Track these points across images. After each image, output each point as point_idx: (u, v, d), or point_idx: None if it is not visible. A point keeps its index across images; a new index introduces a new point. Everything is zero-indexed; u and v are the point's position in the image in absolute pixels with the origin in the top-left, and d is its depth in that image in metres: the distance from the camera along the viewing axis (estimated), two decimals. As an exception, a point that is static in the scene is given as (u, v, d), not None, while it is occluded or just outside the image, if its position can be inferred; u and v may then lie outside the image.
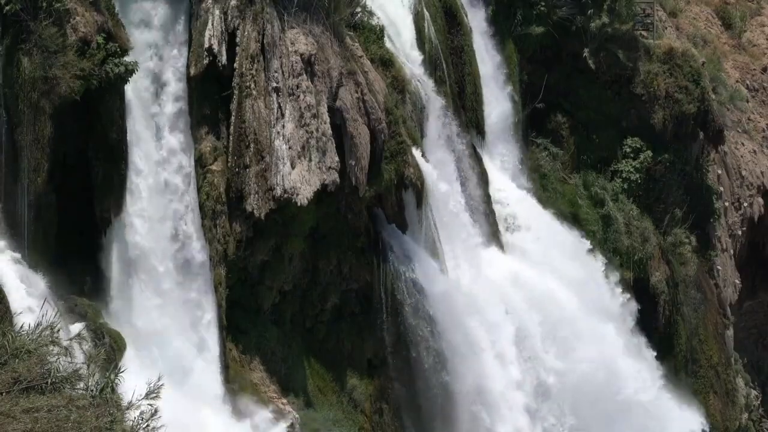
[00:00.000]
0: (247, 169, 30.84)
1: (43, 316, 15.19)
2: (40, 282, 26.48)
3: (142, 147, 29.71)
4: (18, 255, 26.77)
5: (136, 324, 29.32)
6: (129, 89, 28.83)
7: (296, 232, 32.51)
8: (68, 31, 27.29)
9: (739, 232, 50.47)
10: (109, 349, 26.86)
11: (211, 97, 31.28)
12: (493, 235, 39.32)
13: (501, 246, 39.51)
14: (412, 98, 36.45)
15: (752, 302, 52.97)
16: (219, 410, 30.11)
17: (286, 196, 30.83)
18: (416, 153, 35.32)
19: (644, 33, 46.75)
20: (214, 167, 30.97)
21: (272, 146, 30.91)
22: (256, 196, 30.79)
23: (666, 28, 49.19)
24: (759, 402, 51.76)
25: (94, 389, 14.03)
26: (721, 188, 48.72)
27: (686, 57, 46.17)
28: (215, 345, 30.65)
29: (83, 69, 27.21)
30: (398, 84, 35.75)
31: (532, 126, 43.86)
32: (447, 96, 38.46)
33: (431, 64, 38.23)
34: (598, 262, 42.47)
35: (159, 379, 13.80)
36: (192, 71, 30.50)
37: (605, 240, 43.54)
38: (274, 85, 31.25)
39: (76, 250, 28.39)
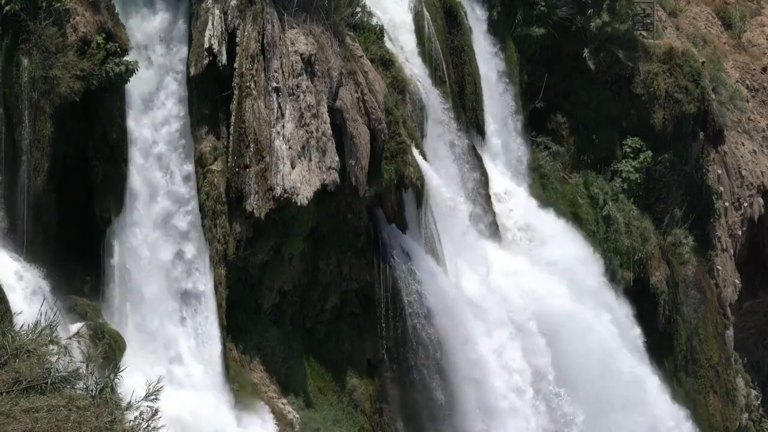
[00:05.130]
0: (247, 169, 30.85)
1: (41, 315, 15.18)
2: (40, 282, 26.47)
3: (140, 146, 29.70)
4: (18, 255, 26.78)
5: (136, 323, 29.32)
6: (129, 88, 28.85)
7: (296, 232, 32.51)
8: (68, 31, 27.29)
9: (739, 232, 50.46)
10: (108, 349, 26.86)
11: (211, 97, 31.28)
12: (493, 235, 39.32)
13: (501, 245, 39.51)
14: (412, 98, 36.45)
15: (752, 302, 52.97)
16: (219, 410, 30.09)
17: (286, 196, 30.84)
18: (416, 153, 35.32)
19: (644, 33, 46.74)
20: (214, 167, 30.97)
21: (272, 146, 30.92)
22: (256, 196, 30.79)
23: (666, 28, 49.17)
24: (759, 402, 51.77)
25: (94, 389, 14.03)
26: (721, 188, 48.71)
27: (686, 57, 46.17)
28: (215, 345, 30.64)
29: (83, 69, 27.22)
30: (398, 84, 35.76)
31: (532, 126, 43.87)
32: (447, 96, 38.46)
33: (431, 64, 38.24)
34: (599, 263, 42.50)
35: (159, 381, 13.78)
36: (192, 71, 30.49)
37: (605, 240, 43.54)
38: (274, 85, 31.26)
39: (76, 250, 28.38)
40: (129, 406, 13.56)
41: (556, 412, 37.74)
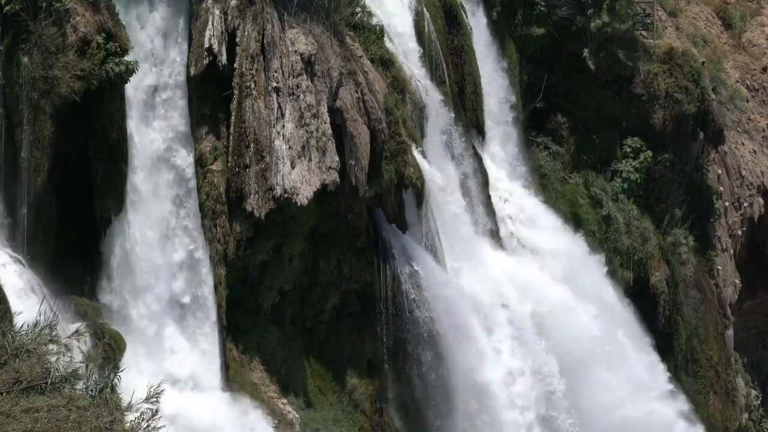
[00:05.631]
0: (247, 169, 30.85)
1: (40, 314, 15.18)
2: (39, 282, 26.47)
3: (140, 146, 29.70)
4: (18, 255, 26.78)
5: (135, 323, 29.31)
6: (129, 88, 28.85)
7: (296, 232, 32.52)
8: (68, 31, 27.30)
9: (739, 232, 50.45)
10: (108, 349, 26.88)
11: (211, 97, 31.28)
12: (493, 235, 39.32)
13: (501, 246, 39.51)
14: (412, 98, 36.45)
15: (752, 302, 52.96)
16: (218, 410, 30.09)
17: (286, 196, 30.84)
18: (416, 153, 35.32)
19: (644, 33, 46.74)
20: (214, 167, 30.98)
21: (272, 146, 30.92)
22: (256, 196, 30.79)
23: (666, 28, 49.17)
24: (759, 402, 51.76)
25: (94, 389, 14.04)
26: (721, 188, 48.71)
27: (686, 57, 46.17)
28: (215, 345, 30.64)
29: (83, 69, 27.22)
30: (398, 84, 35.75)
31: (532, 126, 43.88)
32: (447, 96, 38.46)
33: (431, 64, 38.23)
34: (599, 263, 42.49)
35: (159, 384, 13.78)
36: (192, 71, 30.49)
37: (605, 240, 43.55)
38: (274, 85, 31.26)
39: (76, 250, 28.39)
40: (129, 407, 13.57)
41: (556, 410, 37.71)
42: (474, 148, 39.34)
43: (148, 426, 13.56)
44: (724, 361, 47.66)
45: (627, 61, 44.84)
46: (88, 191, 28.49)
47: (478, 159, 39.26)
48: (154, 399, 13.46)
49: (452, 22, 39.84)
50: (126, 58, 28.12)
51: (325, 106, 32.03)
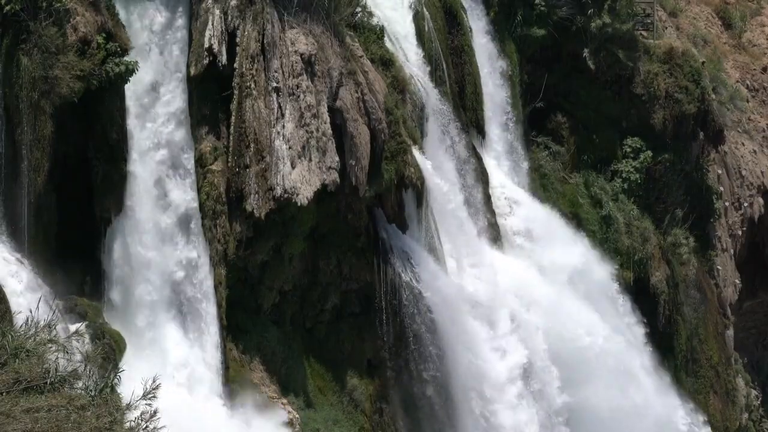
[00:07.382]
0: (247, 169, 30.86)
1: (33, 312, 15.18)
2: (39, 282, 26.48)
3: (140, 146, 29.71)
4: (18, 255, 26.79)
5: (136, 323, 29.33)
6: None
7: (296, 232, 32.52)
8: (68, 31, 27.32)
9: (739, 232, 50.46)
10: (108, 349, 26.88)
11: (211, 97, 31.29)
12: (493, 235, 39.32)
13: (501, 246, 39.52)
14: (412, 98, 36.45)
15: (752, 302, 52.96)
16: (218, 410, 30.11)
17: (286, 196, 30.85)
18: (416, 153, 35.32)
19: (644, 33, 46.75)
20: (214, 167, 30.98)
21: (272, 146, 30.93)
22: (256, 196, 30.80)
23: (666, 28, 49.19)
24: (759, 402, 51.76)
25: (93, 389, 14.05)
26: (721, 188, 48.72)
27: (686, 57, 46.18)
28: (215, 345, 30.64)
29: (83, 69, 27.24)
30: (398, 84, 35.75)
31: (532, 126, 43.89)
32: (447, 96, 38.46)
33: (431, 64, 38.24)
34: (600, 262, 42.51)
35: (155, 381, 13.79)
36: (192, 71, 30.51)
37: (605, 240, 43.57)
38: (274, 85, 31.27)
39: (76, 250, 28.40)
40: (128, 406, 13.58)
41: (556, 411, 37.74)
42: (474, 147, 39.34)
43: (147, 426, 13.57)
44: (724, 361, 47.67)
45: (627, 61, 44.84)
46: (88, 191, 28.51)
47: (478, 159, 39.26)
48: (152, 395, 13.47)
49: (452, 22, 39.85)
50: (126, 58, 28.14)
51: (325, 106, 32.04)
